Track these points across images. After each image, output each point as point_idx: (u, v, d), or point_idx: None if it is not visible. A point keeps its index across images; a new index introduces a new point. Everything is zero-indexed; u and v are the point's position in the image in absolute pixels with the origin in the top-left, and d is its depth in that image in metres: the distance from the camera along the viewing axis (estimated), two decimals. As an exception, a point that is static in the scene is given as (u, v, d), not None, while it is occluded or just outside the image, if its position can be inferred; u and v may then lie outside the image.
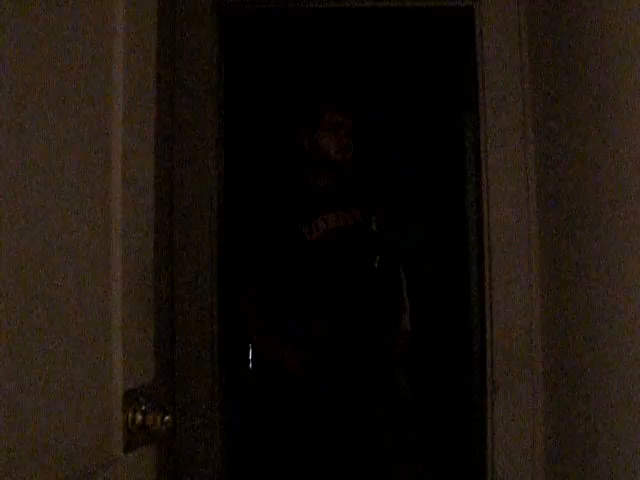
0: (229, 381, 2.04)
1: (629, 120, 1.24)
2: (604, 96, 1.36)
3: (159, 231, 1.07)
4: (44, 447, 0.70)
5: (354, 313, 1.99)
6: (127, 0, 0.87)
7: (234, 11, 2.08)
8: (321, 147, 2.06)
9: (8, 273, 0.65)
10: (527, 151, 1.89)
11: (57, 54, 0.74)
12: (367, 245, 2.08)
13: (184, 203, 1.91)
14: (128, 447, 0.84)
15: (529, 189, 1.89)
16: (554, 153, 1.74)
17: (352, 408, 1.94)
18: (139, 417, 0.84)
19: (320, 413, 1.93)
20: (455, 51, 2.44)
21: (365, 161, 2.44)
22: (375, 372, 2.01)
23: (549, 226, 1.79)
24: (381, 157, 3.53)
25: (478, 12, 1.96)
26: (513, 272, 1.89)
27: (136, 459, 0.86)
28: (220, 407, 1.93)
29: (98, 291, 0.81)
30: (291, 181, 2.19)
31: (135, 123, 0.89)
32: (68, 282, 0.75)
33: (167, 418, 0.85)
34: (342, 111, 2.09)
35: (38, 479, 0.69)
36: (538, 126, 1.86)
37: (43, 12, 0.71)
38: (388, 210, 2.22)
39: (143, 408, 0.85)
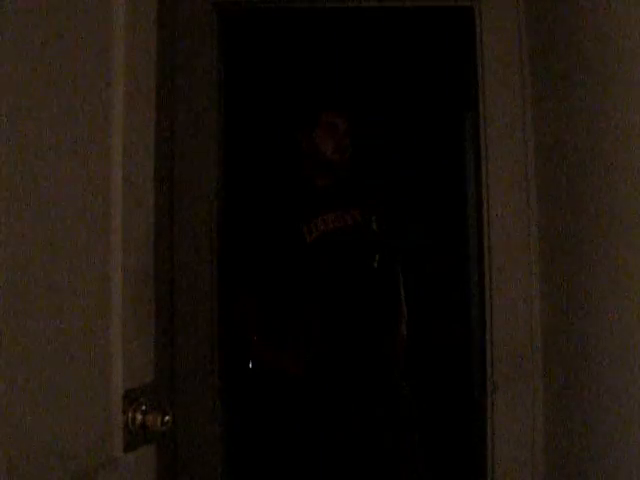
0: (229, 381, 2.04)
1: (629, 119, 1.24)
2: (604, 95, 1.36)
3: (159, 231, 1.07)
4: (44, 447, 0.70)
5: (354, 313, 1.99)
6: (127, 0, 0.87)
7: (234, 11, 2.08)
8: (318, 147, 2.07)
9: (8, 273, 0.65)
10: (527, 151, 1.89)
11: (57, 54, 0.74)
12: (367, 245, 2.08)
13: (184, 203, 1.91)
14: (128, 447, 0.84)
15: (529, 189, 1.89)
16: (554, 153, 1.74)
17: (352, 408, 1.94)
18: (139, 417, 0.84)
19: (320, 413, 1.93)
20: (455, 51, 2.44)
21: (365, 161, 2.44)
22: (375, 372, 2.01)
23: (549, 226, 1.79)
24: (381, 157, 3.53)
25: (478, 12, 1.96)
26: (513, 272, 1.88)
27: (136, 459, 0.86)
28: (220, 407, 1.93)
29: (98, 291, 0.81)
30: (291, 181, 2.19)
31: (135, 123, 0.89)
32: (68, 282, 0.75)
33: (167, 418, 0.85)
34: (339, 111, 2.09)
35: (38, 479, 0.69)
36: (538, 126, 1.86)
37: (44, 11, 0.71)
38: (388, 210, 2.22)
39: (143, 408, 0.85)
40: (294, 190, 2.15)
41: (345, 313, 1.98)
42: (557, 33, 1.69)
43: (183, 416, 1.84)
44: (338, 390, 1.94)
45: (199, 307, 1.89)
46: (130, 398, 0.84)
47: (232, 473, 2.09)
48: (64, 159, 0.75)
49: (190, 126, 1.93)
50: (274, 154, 3.01)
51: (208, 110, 1.95)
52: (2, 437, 0.64)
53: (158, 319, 1.02)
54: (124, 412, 0.83)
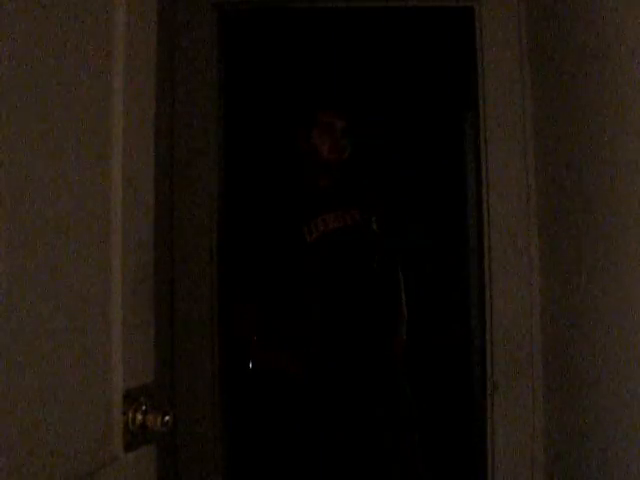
0: (229, 381, 2.04)
1: (630, 119, 1.24)
2: (605, 95, 1.36)
3: (159, 231, 1.07)
4: (44, 447, 0.70)
5: (354, 313, 1.99)
6: (127, 0, 0.87)
7: (234, 11, 2.08)
8: (316, 147, 2.07)
9: (8, 273, 0.65)
10: (527, 151, 1.89)
11: (57, 54, 0.74)
12: (367, 245, 2.08)
13: (184, 203, 1.91)
14: (128, 447, 0.84)
15: (529, 189, 1.89)
16: (554, 153, 1.74)
17: (352, 408, 1.94)
18: (139, 417, 0.85)
19: (320, 413, 1.93)
20: (455, 51, 2.44)
21: (365, 161, 2.44)
22: (375, 372, 2.01)
23: (549, 226, 1.79)
24: (381, 157, 3.53)
25: (478, 12, 1.96)
26: (513, 272, 1.89)
27: (136, 459, 0.86)
28: (220, 407, 1.93)
29: (98, 291, 0.81)
30: (291, 182, 2.19)
31: (135, 123, 0.89)
32: (68, 282, 0.75)
33: (167, 418, 0.85)
34: (337, 111, 2.09)
35: (38, 479, 0.69)
36: (538, 126, 1.86)
37: (44, 11, 0.71)
38: (388, 210, 2.22)
39: (143, 408, 0.85)
40: (294, 190, 2.15)
41: (345, 313, 1.98)
42: (557, 33, 1.69)
43: (183, 416, 1.84)
44: (338, 390, 1.94)
45: (199, 307, 1.89)
46: (130, 398, 0.84)
47: (232, 473, 2.09)
48: (64, 159, 0.75)
49: (190, 126, 1.93)
50: (274, 154, 3.01)
51: (208, 110, 1.95)
52: (2, 437, 0.64)
53: (158, 319, 1.02)
54: (124, 412, 0.83)
